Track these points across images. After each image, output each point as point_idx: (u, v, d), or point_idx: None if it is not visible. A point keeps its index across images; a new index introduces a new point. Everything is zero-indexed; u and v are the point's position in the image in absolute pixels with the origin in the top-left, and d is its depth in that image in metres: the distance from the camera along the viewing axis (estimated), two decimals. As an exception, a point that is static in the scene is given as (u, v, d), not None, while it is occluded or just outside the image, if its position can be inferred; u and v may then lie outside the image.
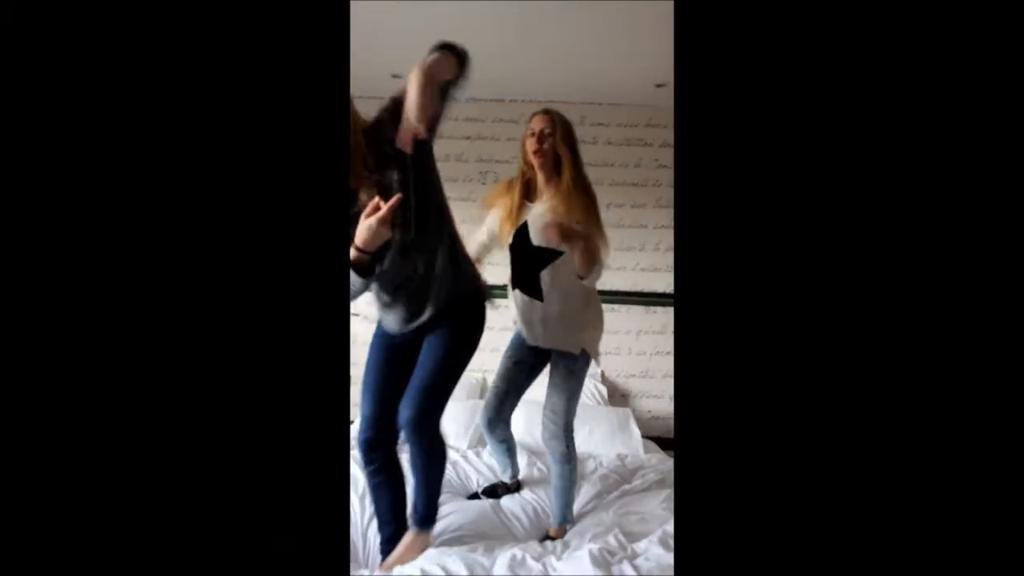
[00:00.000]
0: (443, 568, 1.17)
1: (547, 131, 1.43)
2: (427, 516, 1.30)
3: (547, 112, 1.46)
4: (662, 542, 1.28)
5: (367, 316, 2.84)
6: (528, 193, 1.50)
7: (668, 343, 2.78)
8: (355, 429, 1.41)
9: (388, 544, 1.32)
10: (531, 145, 1.43)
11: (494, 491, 1.80)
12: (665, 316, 2.80)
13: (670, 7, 0.81)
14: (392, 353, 1.31)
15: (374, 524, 1.39)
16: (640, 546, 1.28)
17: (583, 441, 2.24)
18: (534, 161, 1.44)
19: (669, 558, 1.22)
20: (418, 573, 1.15)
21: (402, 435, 1.25)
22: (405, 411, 1.21)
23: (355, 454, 1.96)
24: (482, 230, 1.63)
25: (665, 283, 2.81)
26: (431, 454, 1.28)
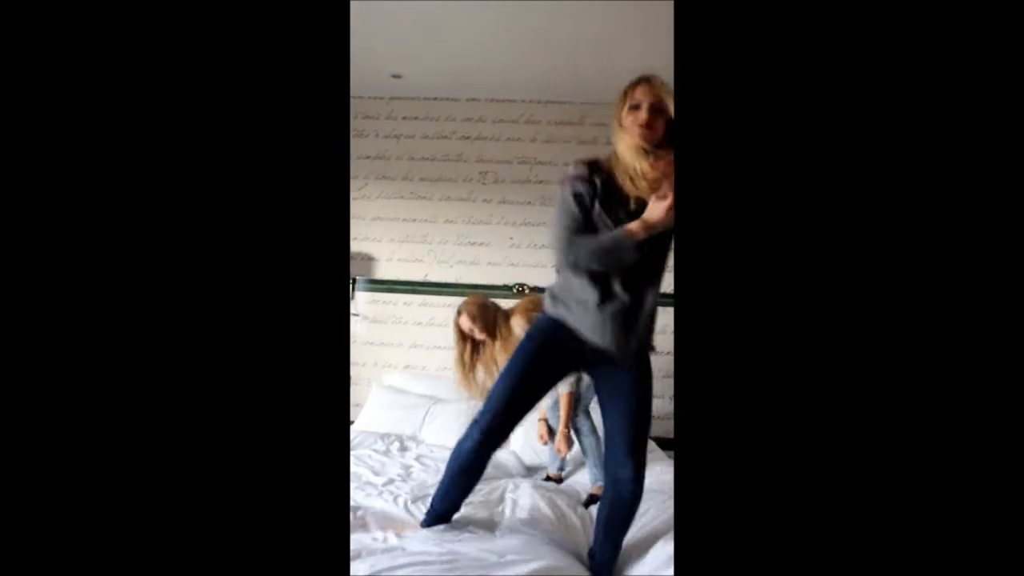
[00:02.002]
0: (452, 551, 1.18)
1: None
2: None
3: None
4: (667, 542, 1.28)
5: (367, 316, 2.85)
6: None
7: (668, 343, 2.78)
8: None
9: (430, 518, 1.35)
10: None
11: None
12: (665, 316, 2.80)
13: (670, 7, 0.81)
14: (551, 357, 1.27)
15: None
16: (648, 547, 1.28)
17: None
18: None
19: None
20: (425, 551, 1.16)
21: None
22: (626, 468, 1.21)
23: (358, 453, 1.98)
24: None
25: (665, 283, 2.81)
26: (633, 508, 1.26)
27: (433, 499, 1.36)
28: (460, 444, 1.30)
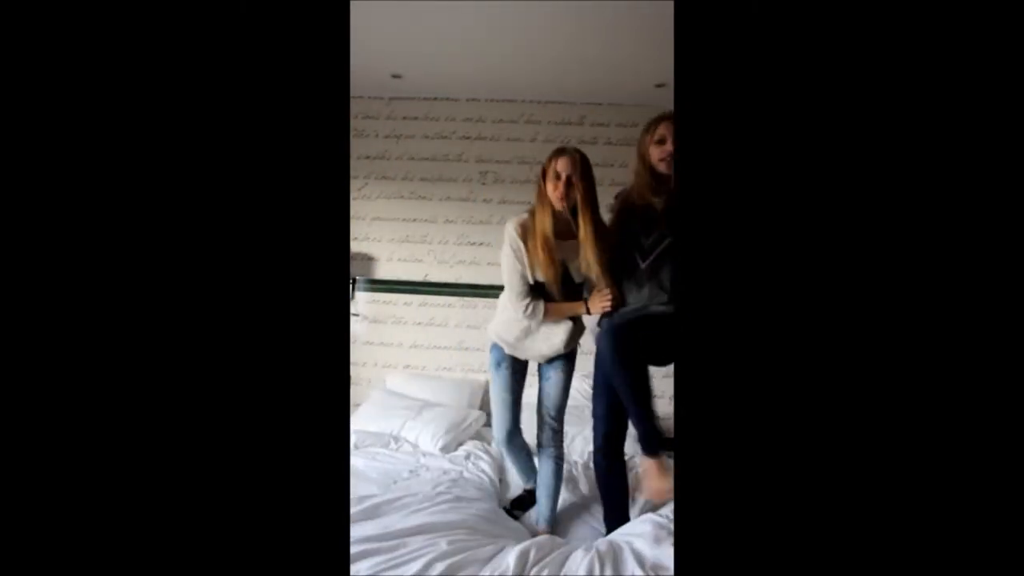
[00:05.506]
0: (450, 565, 1.17)
1: (572, 176, 1.43)
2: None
3: (573, 153, 1.47)
4: (667, 540, 1.28)
5: (367, 316, 2.85)
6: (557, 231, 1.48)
7: (668, 343, 2.78)
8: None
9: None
10: (557, 191, 1.44)
11: (522, 502, 1.80)
12: (665, 316, 2.80)
13: (670, 7, 0.81)
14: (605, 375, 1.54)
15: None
16: (647, 545, 1.29)
17: (583, 441, 2.26)
18: (558, 204, 1.46)
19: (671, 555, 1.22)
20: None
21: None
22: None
23: (358, 452, 1.98)
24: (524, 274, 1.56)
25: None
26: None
27: (610, 516, 1.57)
28: (597, 467, 1.57)
